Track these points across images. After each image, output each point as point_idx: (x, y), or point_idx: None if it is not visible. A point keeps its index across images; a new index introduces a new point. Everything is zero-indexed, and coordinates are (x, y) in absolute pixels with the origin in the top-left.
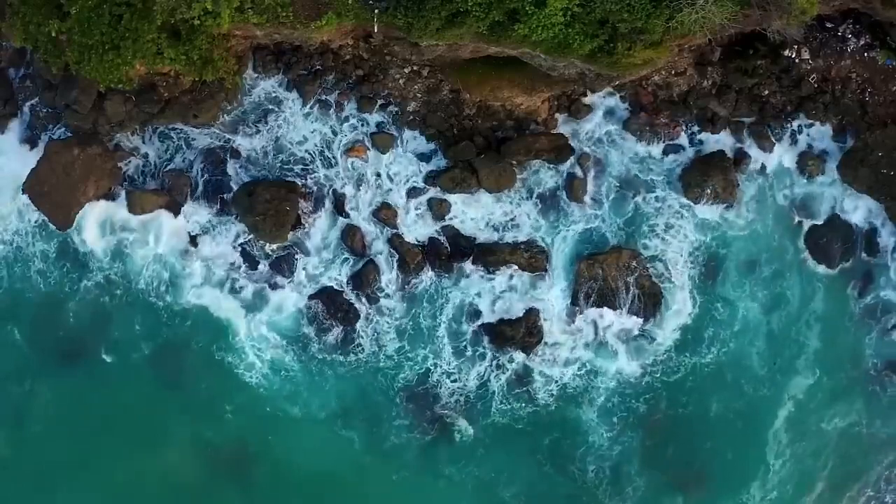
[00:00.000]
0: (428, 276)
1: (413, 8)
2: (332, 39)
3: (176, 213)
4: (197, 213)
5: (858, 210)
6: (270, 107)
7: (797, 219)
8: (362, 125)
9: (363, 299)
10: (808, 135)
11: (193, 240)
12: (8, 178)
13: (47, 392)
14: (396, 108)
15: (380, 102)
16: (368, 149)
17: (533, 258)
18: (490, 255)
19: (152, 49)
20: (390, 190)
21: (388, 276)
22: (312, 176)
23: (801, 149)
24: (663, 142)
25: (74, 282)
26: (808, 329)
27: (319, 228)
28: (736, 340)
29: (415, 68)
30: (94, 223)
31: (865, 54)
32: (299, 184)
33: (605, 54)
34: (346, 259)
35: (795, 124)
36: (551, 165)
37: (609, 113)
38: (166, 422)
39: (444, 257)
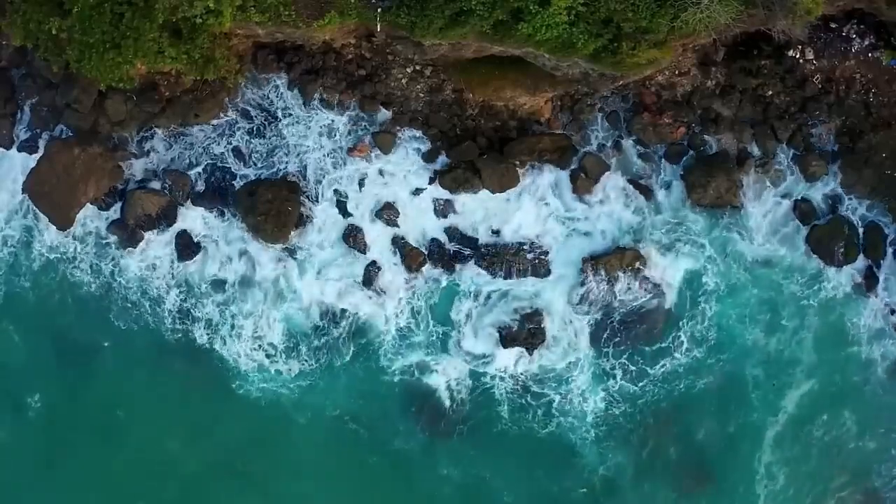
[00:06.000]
0: (429, 275)
1: (416, 7)
2: (334, 39)
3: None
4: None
5: (862, 211)
6: (271, 107)
7: (800, 219)
8: (364, 125)
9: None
10: (812, 135)
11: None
12: (8, 178)
13: (48, 390)
14: (399, 108)
15: (382, 102)
16: (370, 148)
17: (536, 259)
18: (493, 257)
19: (154, 48)
20: (392, 190)
21: (390, 276)
22: (314, 175)
23: (804, 150)
24: (666, 142)
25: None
26: (808, 330)
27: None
28: (734, 341)
29: (417, 68)
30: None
31: (870, 55)
32: (301, 184)
33: (609, 54)
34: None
35: (799, 125)
36: (555, 166)
37: (612, 114)
38: (166, 419)
39: (446, 258)
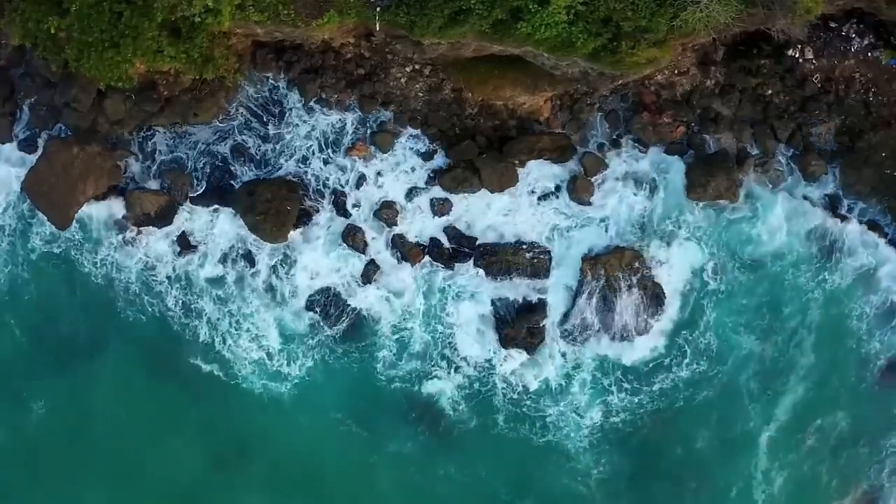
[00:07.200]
0: (428, 274)
1: (415, 6)
2: (333, 38)
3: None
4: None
5: (861, 211)
6: (270, 106)
7: (800, 219)
8: (363, 124)
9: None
10: (812, 135)
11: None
12: (6, 177)
13: (46, 388)
14: (398, 108)
15: (381, 101)
16: (369, 148)
17: (535, 259)
18: (492, 256)
19: (152, 47)
20: (391, 189)
21: (389, 276)
22: (313, 175)
23: (804, 149)
24: (666, 142)
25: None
26: (808, 330)
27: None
28: (733, 343)
29: (416, 67)
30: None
31: (869, 54)
32: (300, 183)
33: (608, 53)
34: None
35: (798, 124)
36: (554, 165)
37: (611, 113)
38: (166, 420)
39: (445, 258)
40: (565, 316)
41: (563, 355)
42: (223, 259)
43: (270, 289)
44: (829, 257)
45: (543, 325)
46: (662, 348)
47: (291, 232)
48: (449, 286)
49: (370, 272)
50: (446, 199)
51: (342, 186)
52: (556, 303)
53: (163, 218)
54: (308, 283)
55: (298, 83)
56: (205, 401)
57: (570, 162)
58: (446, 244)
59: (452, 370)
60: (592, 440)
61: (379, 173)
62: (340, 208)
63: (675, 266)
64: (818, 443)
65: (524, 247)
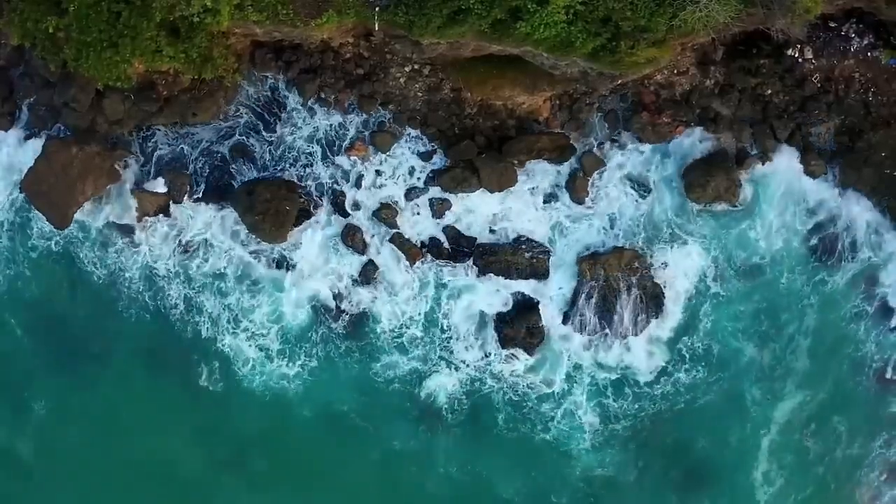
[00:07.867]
0: (427, 274)
1: (414, 6)
2: (332, 38)
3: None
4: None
5: (861, 211)
6: (269, 106)
7: (799, 218)
8: (362, 124)
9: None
10: (811, 135)
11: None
12: (6, 175)
13: (45, 387)
14: (397, 107)
15: (380, 101)
16: (368, 148)
17: (535, 259)
18: (491, 256)
19: (151, 47)
20: (391, 189)
21: (388, 276)
22: (312, 175)
23: (803, 149)
24: (665, 141)
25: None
26: (806, 331)
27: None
28: (733, 345)
29: (416, 67)
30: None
31: (869, 54)
32: (299, 183)
33: (607, 53)
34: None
35: (798, 124)
36: (553, 165)
37: (611, 113)
38: (167, 417)
39: (444, 257)
40: (565, 316)
41: (563, 356)
42: (223, 258)
43: (269, 288)
44: (832, 253)
45: (543, 325)
46: (661, 349)
47: (290, 232)
48: (448, 286)
49: (369, 272)
50: (445, 199)
51: (341, 186)
52: (556, 303)
53: (163, 217)
54: (307, 283)
55: (297, 83)
56: (205, 399)
57: (569, 162)
58: (445, 244)
59: (452, 370)
60: (593, 441)
61: (378, 173)
62: (339, 208)
63: (674, 265)
64: (818, 444)
65: (523, 246)
